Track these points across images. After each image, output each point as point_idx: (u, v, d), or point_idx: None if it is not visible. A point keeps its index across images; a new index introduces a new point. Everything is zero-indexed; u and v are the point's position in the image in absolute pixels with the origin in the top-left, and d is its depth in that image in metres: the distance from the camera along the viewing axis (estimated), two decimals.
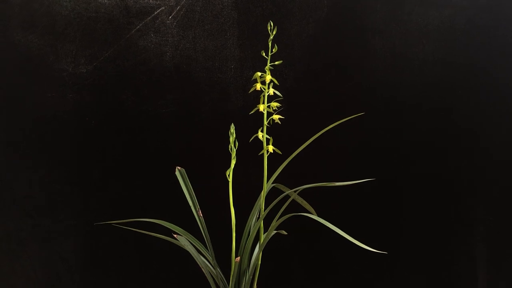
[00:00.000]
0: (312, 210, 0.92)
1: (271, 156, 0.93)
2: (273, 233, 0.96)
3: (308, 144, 0.91)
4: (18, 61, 1.15)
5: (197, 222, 0.95)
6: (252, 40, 1.16)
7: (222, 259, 0.99)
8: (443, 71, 1.19)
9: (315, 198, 0.96)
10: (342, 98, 1.19)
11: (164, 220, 0.96)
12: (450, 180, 1.23)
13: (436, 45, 1.18)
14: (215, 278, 0.92)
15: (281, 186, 0.95)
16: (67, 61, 1.15)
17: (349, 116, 0.96)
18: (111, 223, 1.06)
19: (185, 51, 1.17)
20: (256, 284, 0.95)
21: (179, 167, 0.98)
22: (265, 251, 1.02)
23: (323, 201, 1.20)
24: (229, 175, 0.91)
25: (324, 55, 1.18)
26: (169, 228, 0.95)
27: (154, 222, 0.96)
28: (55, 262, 1.21)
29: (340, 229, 0.85)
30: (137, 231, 0.96)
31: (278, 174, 0.96)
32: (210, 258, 0.94)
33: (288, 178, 1.01)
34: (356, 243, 0.83)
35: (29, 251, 1.20)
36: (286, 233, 0.90)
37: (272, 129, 0.95)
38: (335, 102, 1.19)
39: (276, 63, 0.90)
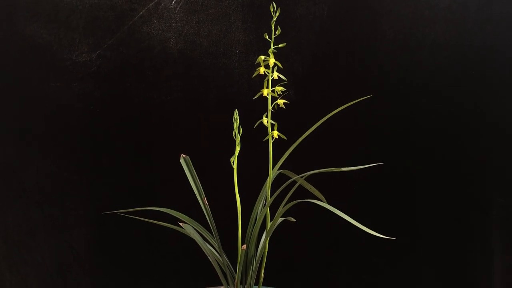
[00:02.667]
0: (320, 195, 0.90)
1: (279, 142, 0.91)
2: (280, 220, 0.94)
3: (317, 130, 0.89)
4: (22, 51, 1.14)
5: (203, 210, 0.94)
6: (257, 23, 1.14)
7: (230, 248, 0.98)
8: (455, 52, 1.15)
9: (324, 184, 0.94)
10: (350, 81, 1.16)
11: (172, 209, 0.95)
12: (462, 164, 1.19)
13: (448, 25, 1.14)
14: (222, 266, 0.91)
15: (287, 172, 0.93)
16: (70, 50, 1.14)
17: (357, 99, 0.93)
18: (117, 213, 1.05)
19: (189, 37, 1.15)
20: (264, 272, 0.94)
21: (183, 155, 0.96)
22: (273, 239, 1.00)
23: (333, 188, 1.18)
24: (233, 162, 0.89)
25: (332, 37, 1.15)
26: (176, 217, 0.94)
27: (161, 211, 0.95)
28: (65, 252, 1.21)
29: (350, 216, 0.83)
30: (143, 220, 0.95)
31: (285, 161, 0.94)
32: (216, 245, 0.93)
33: (295, 165, 0.99)
34: (363, 228, 0.81)
35: (38, 240, 1.20)
36: (294, 220, 0.88)
37: (280, 114, 0.93)
38: (343, 85, 1.16)
39: (280, 45, 0.88)
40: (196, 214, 0.97)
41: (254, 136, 0.97)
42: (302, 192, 0.91)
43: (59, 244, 1.21)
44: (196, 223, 0.95)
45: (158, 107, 1.16)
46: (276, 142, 0.90)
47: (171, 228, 0.91)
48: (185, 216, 0.94)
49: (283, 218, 0.93)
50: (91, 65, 1.15)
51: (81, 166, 1.19)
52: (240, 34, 1.14)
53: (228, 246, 0.97)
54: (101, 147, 1.18)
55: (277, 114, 0.94)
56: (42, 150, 1.18)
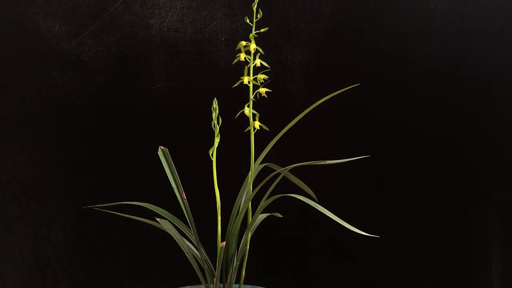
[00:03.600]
0: (307, 189, 0.85)
1: (264, 135, 0.86)
2: (264, 216, 0.89)
3: (304, 122, 0.84)
4: None
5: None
6: (244, 9, 1.09)
7: (211, 245, 0.93)
8: (454, 35, 1.09)
9: (314, 179, 0.90)
10: (342, 70, 1.11)
11: (153, 203, 0.91)
12: (460, 159, 1.14)
13: (447, 6, 1.08)
14: (199, 261, 0.87)
15: (270, 165, 0.88)
16: (50, 37, 1.10)
17: (346, 87, 0.88)
18: (95, 207, 1.01)
19: (173, 24, 1.10)
20: (245, 270, 0.89)
21: (162, 147, 0.92)
22: (257, 237, 0.96)
23: (324, 183, 1.13)
24: (212, 154, 0.85)
25: (322, 23, 1.09)
26: (155, 212, 0.90)
27: (140, 205, 0.90)
28: (44, 247, 1.17)
29: (339, 213, 0.78)
30: (120, 215, 0.91)
31: (268, 153, 0.89)
32: (193, 239, 0.88)
33: (280, 158, 0.95)
34: (345, 225, 0.76)
35: (16, 236, 1.17)
36: (281, 216, 0.83)
37: (266, 105, 0.88)
38: (334, 75, 1.11)
39: (262, 30, 0.83)
40: (176, 208, 0.93)
41: (238, 127, 0.92)
42: (289, 187, 0.86)
43: (37, 239, 1.17)
44: (176, 218, 0.91)
45: (140, 97, 1.12)
46: (262, 134, 0.86)
47: (154, 225, 0.87)
48: (164, 210, 0.90)
49: (268, 214, 0.88)
50: (71, 53, 1.10)
51: (60, 159, 1.15)
52: (226, 21, 1.09)
53: (209, 243, 0.93)
54: (81, 138, 1.14)
55: (263, 105, 0.89)
56: (19, 141, 1.14)
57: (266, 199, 0.82)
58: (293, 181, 0.87)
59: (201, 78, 1.11)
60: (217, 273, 0.84)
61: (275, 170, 0.85)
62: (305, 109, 0.84)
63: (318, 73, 1.11)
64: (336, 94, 0.83)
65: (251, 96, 0.84)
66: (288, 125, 0.84)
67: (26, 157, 1.14)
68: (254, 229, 0.88)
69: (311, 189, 0.83)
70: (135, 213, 0.91)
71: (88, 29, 1.10)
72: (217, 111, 0.84)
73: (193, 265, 0.86)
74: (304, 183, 0.85)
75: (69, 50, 1.10)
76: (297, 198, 0.79)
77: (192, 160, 1.09)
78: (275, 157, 0.93)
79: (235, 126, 0.93)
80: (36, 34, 1.10)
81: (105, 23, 1.09)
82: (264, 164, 0.91)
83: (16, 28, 1.10)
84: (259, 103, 0.85)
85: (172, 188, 0.91)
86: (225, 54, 1.10)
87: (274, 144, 0.87)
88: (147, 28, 1.10)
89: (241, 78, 0.82)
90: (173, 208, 0.92)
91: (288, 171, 0.83)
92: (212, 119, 0.84)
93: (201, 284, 0.97)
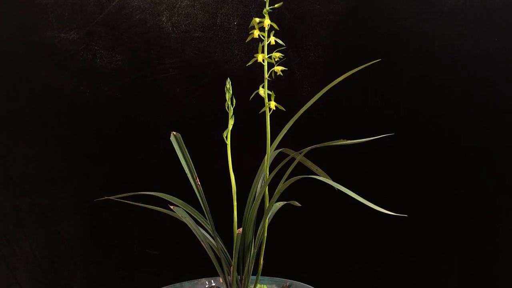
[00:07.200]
0: (322, 172, 0.81)
1: (279, 115, 0.82)
2: (282, 204, 0.85)
3: (321, 101, 0.79)
4: (5, 28, 1.08)
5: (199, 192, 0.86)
6: None
7: (227, 234, 0.89)
8: (474, 16, 1.04)
9: (330, 166, 0.85)
10: (359, 48, 1.07)
11: (166, 193, 0.87)
12: (488, 141, 1.08)
13: None
14: (216, 250, 0.83)
15: (287, 150, 0.84)
16: (58, 26, 1.08)
17: (365, 65, 0.83)
18: (110, 199, 0.98)
19: (183, 9, 1.07)
20: (263, 259, 0.85)
21: (174, 132, 0.88)
22: (275, 224, 0.91)
23: (343, 168, 1.09)
24: (226, 137, 0.81)
25: (337, 3, 1.05)
26: (169, 201, 0.86)
27: (154, 195, 0.87)
28: (55, 242, 1.15)
29: (358, 195, 0.73)
30: (136, 207, 0.87)
31: (285, 135, 0.85)
32: (209, 228, 0.84)
33: (298, 140, 0.91)
34: (369, 204, 0.71)
35: (27, 231, 1.15)
36: (299, 205, 0.79)
37: (282, 85, 0.84)
38: (351, 53, 1.07)
39: (276, 5, 0.79)
40: (190, 199, 0.90)
41: (252, 112, 0.89)
42: (307, 172, 0.82)
43: (49, 234, 1.15)
44: (190, 207, 0.87)
45: (151, 86, 1.09)
46: (276, 121, 0.82)
47: (167, 219, 0.84)
48: (178, 200, 0.87)
49: (285, 202, 0.84)
50: (80, 43, 1.08)
51: (70, 151, 1.12)
52: (238, 5, 1.06)
53: (225, 231, 0.89)
54: (91, 130, 1.12)
55: (279, 86, 0.85)
56: (29, 134, 1.12)
57: (284, 181, 0.78)
58: (310, 167, 0.83)
59: (213, 65, 1.08)
60: (234, 261, 0.80)
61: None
62: (321, 89, 0.80)
63: (335, 56, 1.07)
64: (354, 73, 0.78)
65: (266, 75, 0.80)
66: (306, 104, 0.80)
67: (36, 150, 1.12)
68: (272, 215, 0.84)
69: (329, 176, 0.79)
70: (149, 204, 0.88)
71: (97, 18, 1.07)
72: (231, 92, 0.80)
73: (209, 254, 0.82)
74: (324, 169, 0.81)
75: (79, 40, 1.08)
76: (316, 183, 0.75)
77: (206, 148, 1.06)
78: (291, 141, 0.89)
79: (248, 112, 0.89)
80: (44, 24, 1.08)
81: (115, 11, 1.07)
82: (279, 150, 0.87)
83: (24, 18, 1.08)
84: (273, 89, 0.81)
85: (186, 178, 0.87)
86: (237, 39, 1.07)
87: (290, 129, 0.83)
88: (157, 15, 1.07)
89: (255, 56, 0.78)
90: (187, 199, 0.89)
91: (306, 154, 0.79)
92: (225, 101, 0.81)
93: (217, 277, 0.93)
